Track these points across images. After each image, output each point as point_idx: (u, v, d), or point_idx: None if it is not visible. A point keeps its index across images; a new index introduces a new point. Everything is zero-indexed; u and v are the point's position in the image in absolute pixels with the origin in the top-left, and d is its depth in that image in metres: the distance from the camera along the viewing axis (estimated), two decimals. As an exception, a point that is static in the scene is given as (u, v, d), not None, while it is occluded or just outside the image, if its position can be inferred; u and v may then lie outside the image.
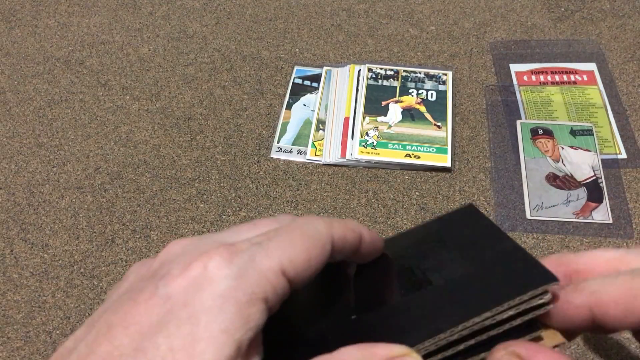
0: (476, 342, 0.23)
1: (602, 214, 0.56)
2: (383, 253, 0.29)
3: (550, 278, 0.23)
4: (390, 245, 0.30)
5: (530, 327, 0.24)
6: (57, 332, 0.52)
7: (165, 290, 0.21)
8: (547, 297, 0.23)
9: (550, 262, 0.26)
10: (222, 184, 0.61)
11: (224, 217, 0.59)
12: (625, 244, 0.55)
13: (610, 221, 0.56)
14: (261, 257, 0.22)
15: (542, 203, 0.58)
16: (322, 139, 0.64)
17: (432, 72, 0.70)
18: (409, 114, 0.66)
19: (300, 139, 0.65)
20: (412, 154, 0.62)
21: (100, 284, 0.54)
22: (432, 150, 0.62)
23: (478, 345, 0.23)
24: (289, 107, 0.67)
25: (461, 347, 0.23)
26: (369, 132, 0.64)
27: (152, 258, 0.25)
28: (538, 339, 0.24)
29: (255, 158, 0.63)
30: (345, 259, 0.27)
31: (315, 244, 0.24)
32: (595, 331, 0.25)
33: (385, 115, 0.66)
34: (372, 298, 0.27)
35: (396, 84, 0.69)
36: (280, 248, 0.22)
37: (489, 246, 0.27)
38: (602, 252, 0.26)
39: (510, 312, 0.23)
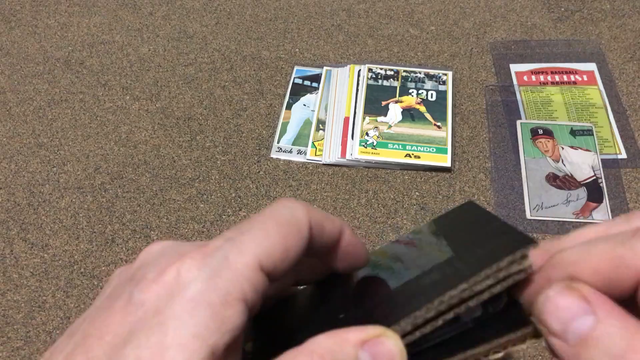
0: (455, 317, 0.22)
1: (602, 214, 0.56)
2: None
3: (527, 241, 0.22)
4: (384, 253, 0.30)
5: (520, 323, 0.23)
6: (57, 332, 0.52)
7: (140, 297, 0.20)
8: (527, 262, 0.22)
9: (538, 254, 0.23)
10: (222, 184, 0.61)
11: (224, 217, 0.59)
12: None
13: (610, 221, 0.56)
14: (235, 254, 0.21)
15: (542, 203, 0.58)
16: (322, 139, 0.64)
17: (432, 72, 0.70)
18: (409, 114, 0.66)
19: (300, 139, 0.65)
20: (412, 154, 0.62)
21: (100, 284, 0.54)
22: (432, 150, 0.62)
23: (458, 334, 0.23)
24: (289, 107, 0.67)
25: (439, 322, 0.22)
26: (369, 132, 0.64)
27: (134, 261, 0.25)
28: (527, 335, 0.23)
29: (255, 158, 0.63)
30: (325, 256, 0.25)
31: (292, 231, 0.22)
32: None
33: (385, 115, 0.66)
34: (360, 296, 0.27)
35: (396, 84, 0.69)
36: (254, 241, 0.21)
37: (477, 230, 0.27)
38: (587, 230, 0.23)
39: (488, 282, 0.22)
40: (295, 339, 0.23)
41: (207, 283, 0.20)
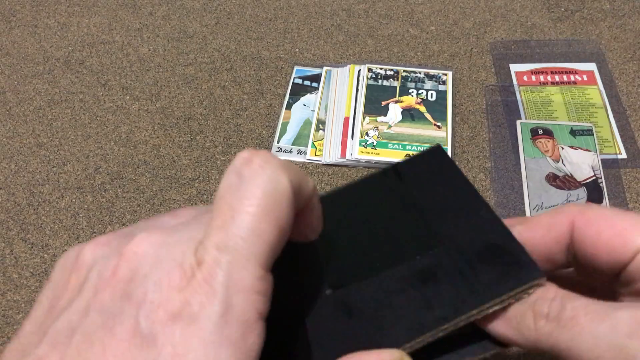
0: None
1: (602, 214, 0.56)
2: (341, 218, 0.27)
3: (538, 273, 0.23)
4: (343, 199, 0.28)
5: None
6: (57, 332, 0.52)
7: (149, 328, 0.18)
8: (533, 290, 0.23)
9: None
10: (222, 184, 0.61)
11: (224, 217, 0.59)
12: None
13: (610, 221, 0.56)
14: (238, 269, 0.19)
15: (542, 203, 0.58)
16: (322, 139, 0.64)
17: (432, 72, 0.70)
18: (409, 114, 0.66)
19: (300, 139, 0.65)
20: (412, 154, 0.62)
21: (100, 284, 0.54)
22: (432, 150, 0.62)
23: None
24: (289, 107, 0.68)
25: (441, 334, 0.23)
26: (369, 132, 0.64)
27: (92, 247, 0.22)
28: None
29: (255, 158, 0.63)
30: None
31: (283, 211, 0.20)
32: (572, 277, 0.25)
33: (385, 115, 0.66)
34: (344, 269, 0.26)
35: (396, 84, 0.69)
36: (252, 243, 0.19)
37: (470, 221, 0.26)
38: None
39: (496, 307, 0.23)
40: (280, 316, 0.23)
41: (222, 318, 0.18)
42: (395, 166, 0.30)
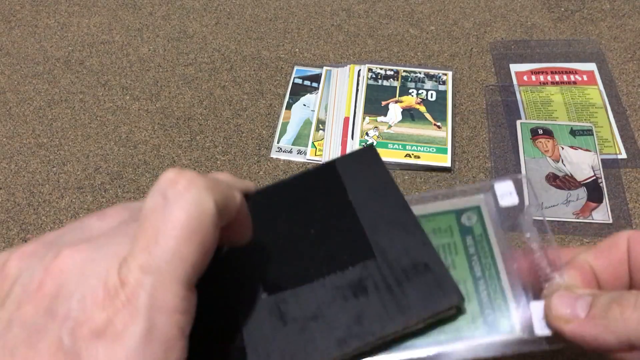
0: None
1: (602, 214, 0.56)
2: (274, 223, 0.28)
3: (458, 297, 0.25)
4: (281, 196, 0.29)
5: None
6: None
7: (72, 344, 0.18)
8: (453, 310, 0.25)
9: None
10: (222, 184, 0.61)
11: (224, 217, 0.59)
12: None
13: (610, 221, 0.56)
14: (161, 291, 0.19)
15: (542, 203, 0.58)
16: (322, 139, 0.64)
17: (432, 72, 0.70)
18: (409, 114, 0.66)
19: (300, 139, 0.65)
20: (412, 154, 0.62)
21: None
22: (432, 150, 0.62)
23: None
24: (289, 107, 0.68)
25: (368, 347, 0.24)
26: (368, 132, 0.64)
27: (21, 252, 0.22)
28: None
29: (255, 158, 0.63)
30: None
31: (206, 231, 0.20)
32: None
33: (385, 115, 0.66)
34: (280, 272, 0.26)
35: (396, 84, 0.69)
36: (174, 266, 0.19)
37: (400, 234, 0.27)
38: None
39: (419, 326, 0.25)
40: (216, 323, 0.24)
41: (145, 337, 0.19)
42: (331, 163, 0.31)
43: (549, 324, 0.25)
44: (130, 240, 0.20)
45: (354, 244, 0.27)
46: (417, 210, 0.29)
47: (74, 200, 0.60)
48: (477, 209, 0.30)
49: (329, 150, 0.63)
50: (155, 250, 0.20)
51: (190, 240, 0.20)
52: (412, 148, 0.62)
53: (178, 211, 0.20)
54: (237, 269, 0.27)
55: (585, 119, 0.64)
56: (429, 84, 0.68)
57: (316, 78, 0.70)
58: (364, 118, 0.65)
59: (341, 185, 0.29)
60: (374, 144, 0.33)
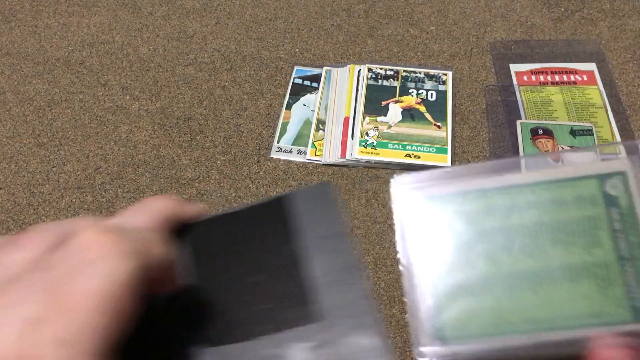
0: None
1: (602, 214, 0.56)
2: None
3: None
4: (222, 232, 0.28)
5: None
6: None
7: None
8: None
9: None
10: (222, 184, 0.61)
11: (224, 217, 0.59)
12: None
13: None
14: None
15: None
16: (322, 139, 0.64)
17: (432, 72, 0.70)
18: (409, 114, 0.66)
19: (300, 139, 0.65)
20: (412, 154, 0.62)
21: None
22: (432, 150, 0.62)
23: None
24: (289, 107, 0.68)
25: None
26: (369, 132, 0.64)
27: None
28: None
29: (255, 158, 0.63)
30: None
31: (124, 300, 0.19)
32: None
33: (385, 115, 0.66)
34: (219, 324, 0.26)
35: (396, 84, 0.69)
36: (90, 337, 0.18)
37: (343, 296, 0.26)
38: None
39: None
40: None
41: None
42: (279, 199, 0.28)
43: None
44: (44, 297, 0.19)
45: (296, 300, 0.26)
46: (542, 175, 0.26)
47: (74, 200, 0.60)
48: (623, 175, 0.26)
49: (329, 150, 0.63)
50: (69, 321, 0.19)
51: (105, 311, 0.19)
52: (412, 148, 0.62)
53: (94, 281, 0.19)
54: (175, 317, 0.26)
55: (585, 119, 0.64)
56: (429, 84, 0.68)
57: (316, 78, 0.70)
58: (364, 118, 0.65)
59: (286, 227, 0.28)
60: (331, 182, 0.31)
